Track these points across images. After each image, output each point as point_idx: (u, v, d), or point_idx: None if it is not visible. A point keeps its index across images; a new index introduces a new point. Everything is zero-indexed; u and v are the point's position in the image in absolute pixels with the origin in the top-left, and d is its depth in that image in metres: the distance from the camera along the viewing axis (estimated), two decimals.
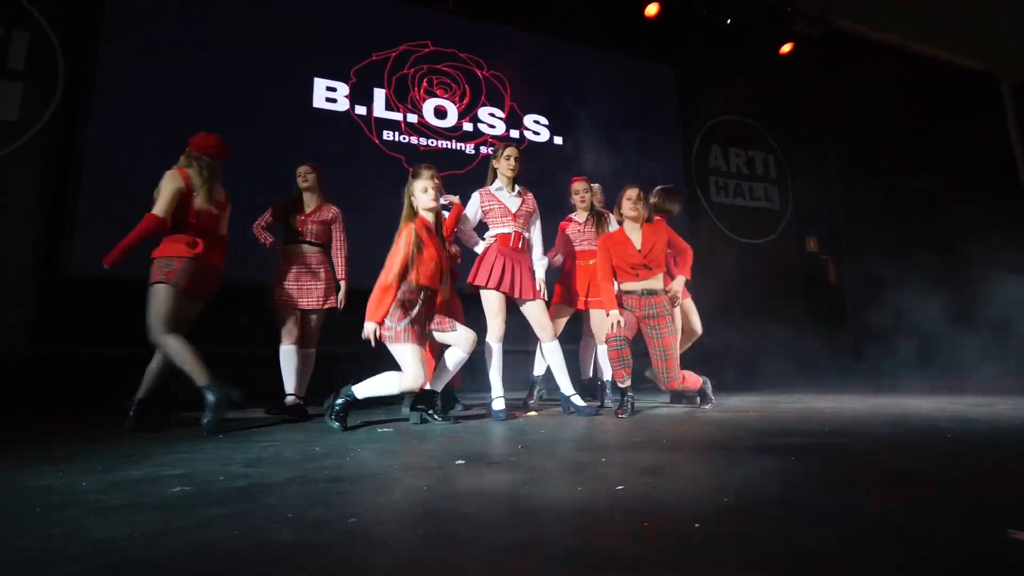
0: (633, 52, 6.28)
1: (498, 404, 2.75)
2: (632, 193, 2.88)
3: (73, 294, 3.94)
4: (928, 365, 5.84)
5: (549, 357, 2.84)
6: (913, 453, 1.68)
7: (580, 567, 0.81)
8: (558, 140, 5.68)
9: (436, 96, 5.20)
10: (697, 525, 0.98)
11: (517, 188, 2.94)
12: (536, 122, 5.61)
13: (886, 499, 1.16)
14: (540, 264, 2.96)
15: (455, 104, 5.26)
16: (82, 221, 3.95)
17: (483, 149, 5.26)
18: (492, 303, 2.78)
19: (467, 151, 5.21)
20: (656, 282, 2.85)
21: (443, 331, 2.62)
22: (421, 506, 1.15)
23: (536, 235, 2.99)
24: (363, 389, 2.44)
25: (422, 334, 2.55)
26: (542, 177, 5.48)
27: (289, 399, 2.96)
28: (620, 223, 2.96)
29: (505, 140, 5.39)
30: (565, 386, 2.78)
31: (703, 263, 6.51)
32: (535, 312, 2.84)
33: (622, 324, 2.71)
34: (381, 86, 4.98)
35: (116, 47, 4.20)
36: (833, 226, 7.14)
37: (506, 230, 2.87)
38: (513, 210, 2.87)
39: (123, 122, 4.15)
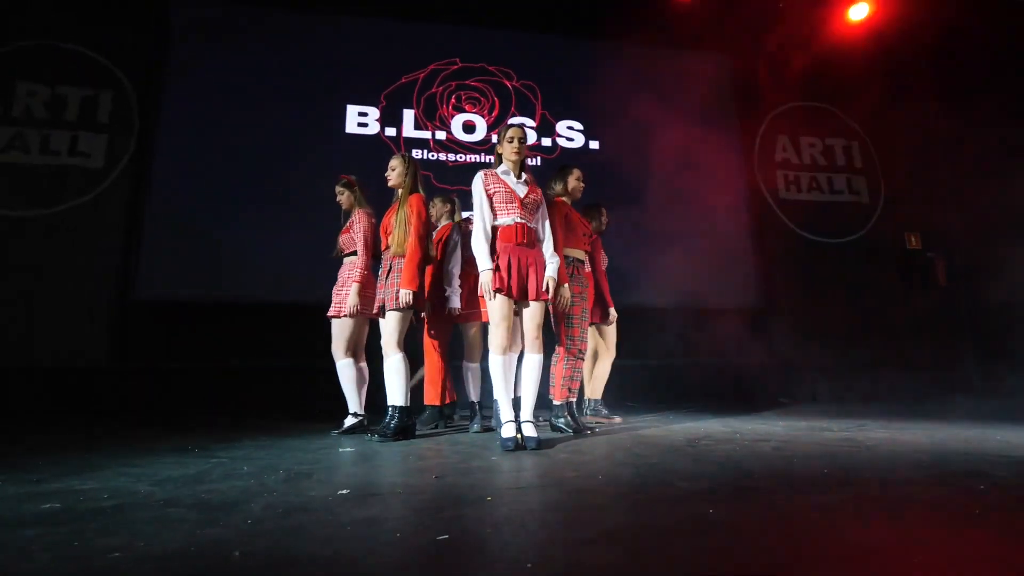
0: (680, 43, 5.85)
1: (506, 431, 2.34)
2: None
3: (139, 315, 4.47)
4: None
5: (526, 370, 2.49)
6: (881, 504, 1.28)
7: None
8: (594, 144, 5.43)
9: (465, 111, 5.22)
10: None
11: (524, 176, 2.58)
12: (570, 128, 5.41)
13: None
14: (552, 262, 2.56)
15: (484, 117, 5.24)
16: (145, 251, 4.48)
17: None
18: (495, 309, 2.42)
19: None
20: None
21: None
22: (209, 540, 1.07)
23: (547, 228, 2.62)
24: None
25: None
26: None
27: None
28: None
29: (536, 149, 5.26)
30: (526, 409, 2.43)
31: (772, 268, 5.82)
32: (529, 315, 2.49)
33: None
34: (410, 107, 5.11)
35: (176, 95, 4.75)
36: (941, 217, 6.04)
37: (509, 221, 2.49)
38: (520, 196, 2.51)
39: (180, 164, 4.67)
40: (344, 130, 4.95)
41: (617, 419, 3.48)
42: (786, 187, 5.96)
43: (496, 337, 2.45)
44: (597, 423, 3.41)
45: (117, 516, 1.29)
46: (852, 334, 5.61)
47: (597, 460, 2.02)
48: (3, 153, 4.51)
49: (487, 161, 5.15)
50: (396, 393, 2.72)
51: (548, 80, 5.44)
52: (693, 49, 5.89)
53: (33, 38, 4.72)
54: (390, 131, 5.02)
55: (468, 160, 5.09)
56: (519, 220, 2.49)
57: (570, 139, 5.40)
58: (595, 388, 3.54)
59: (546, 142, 5.32)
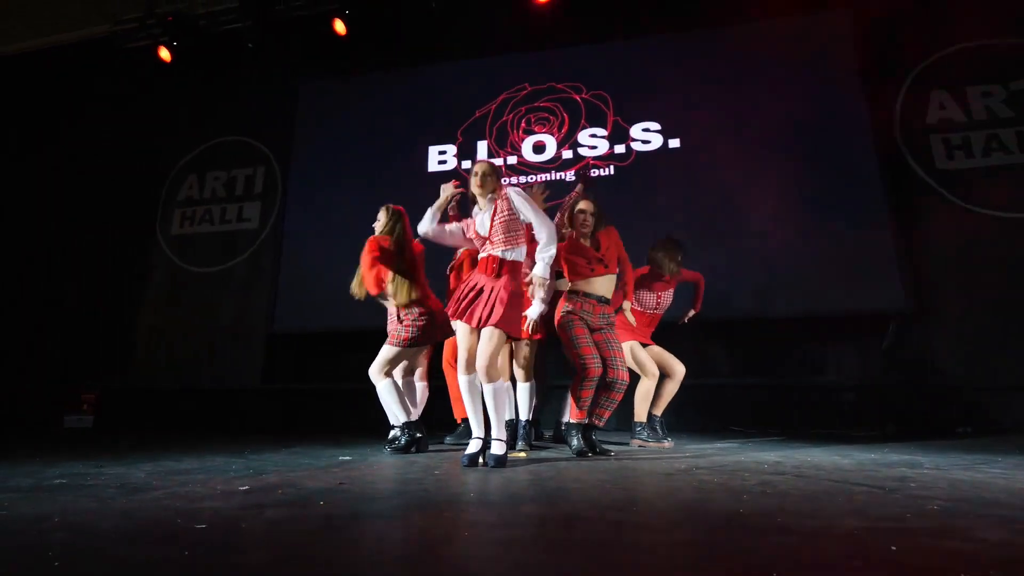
0: (770, 9, 5.07)
1: (470, 447, 2.39)
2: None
3: (280, 345, 5.49)
4: None
5: (487, 397, 2.37)
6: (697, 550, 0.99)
7: None
8: (674, 143, 5.01)
9: (534, 133, 5.32)
10: None
11: (491, 204, 2.50)
12: (645, 130, 5.09)
13: None
14: (539, 257, 2.43)
15: (553, 136, 5.27)
16: (281, 292, 5.51)
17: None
18: (459, 335, 2.49)
19: (567, 179, 5.11)
20: None
21: None
22: (84, 510, 1.36)
23: (534, 224, 2.45)
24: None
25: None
26: (652, 188, 4.90)
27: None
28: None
29: (608, 158, 5.08)
30: (496, 428, 2.34)
31: (929, 258, 4.52)
32: (480, 341, 2.39)
33: None
34: (483, 138, 5.41)
35: (300, 161, 5.83)
36: None
37: (483, 254, 2.51)
38: (484, 233, 2.48)
39: (305, 218, 5.67)
40: (426, 170, 5.45)
41: (667, 443, 3.14)
42: (947, 154, 4.65)
43: (459, 360, 2.46)
44: (640, 446, 3.12)
45: (72, 491, 1.69)
46: None
47: (522, 482, 1.90)
48: (198, 225, 6.07)
49: (558, 179, 5.13)
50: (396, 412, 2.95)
51: (619, 86, 5.23)
52: (804, 13, 5.04)
53: (224, 136, 6.30)
54: (466, 164, 5.37)
55: (539, 179, 5.15)
56: (488, 252, 2.46)
57: (646, 142, 5.07)
58: (639, 411, 3.23)
59: (619, 149, 5.09)
